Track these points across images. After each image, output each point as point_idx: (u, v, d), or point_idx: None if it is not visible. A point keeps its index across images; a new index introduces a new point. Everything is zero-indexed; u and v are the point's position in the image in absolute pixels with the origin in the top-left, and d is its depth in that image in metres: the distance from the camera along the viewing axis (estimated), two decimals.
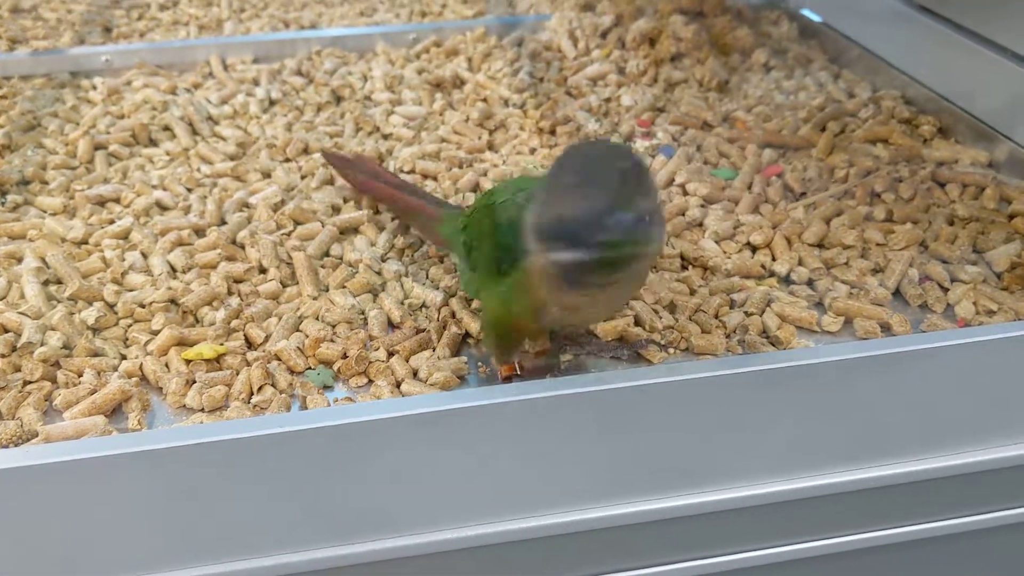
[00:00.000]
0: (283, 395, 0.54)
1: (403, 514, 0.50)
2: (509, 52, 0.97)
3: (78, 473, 0.45)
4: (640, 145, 0.79)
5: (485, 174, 0.76)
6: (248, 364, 0.56)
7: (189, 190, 0.75)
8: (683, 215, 0.69)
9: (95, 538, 0.47)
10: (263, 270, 0.64)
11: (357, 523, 0.50)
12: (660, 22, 0.96)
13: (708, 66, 0.92)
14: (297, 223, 0.69)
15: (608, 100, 0.88)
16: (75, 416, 0.52)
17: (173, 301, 0.60)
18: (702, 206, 0.71)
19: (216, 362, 0.56)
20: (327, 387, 0.55)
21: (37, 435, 0.51)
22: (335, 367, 0.56)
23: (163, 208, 0.72)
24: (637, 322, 0.59)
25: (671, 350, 0.58)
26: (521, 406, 0.48)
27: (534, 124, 0.84)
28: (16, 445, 0.50)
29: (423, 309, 0.61)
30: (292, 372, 0.55)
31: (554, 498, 0.51)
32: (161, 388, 0.55)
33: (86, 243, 0.67)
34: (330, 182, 0.76)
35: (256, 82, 0.93)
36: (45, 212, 0.71)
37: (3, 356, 0.55)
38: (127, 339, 0.58)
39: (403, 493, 0.49)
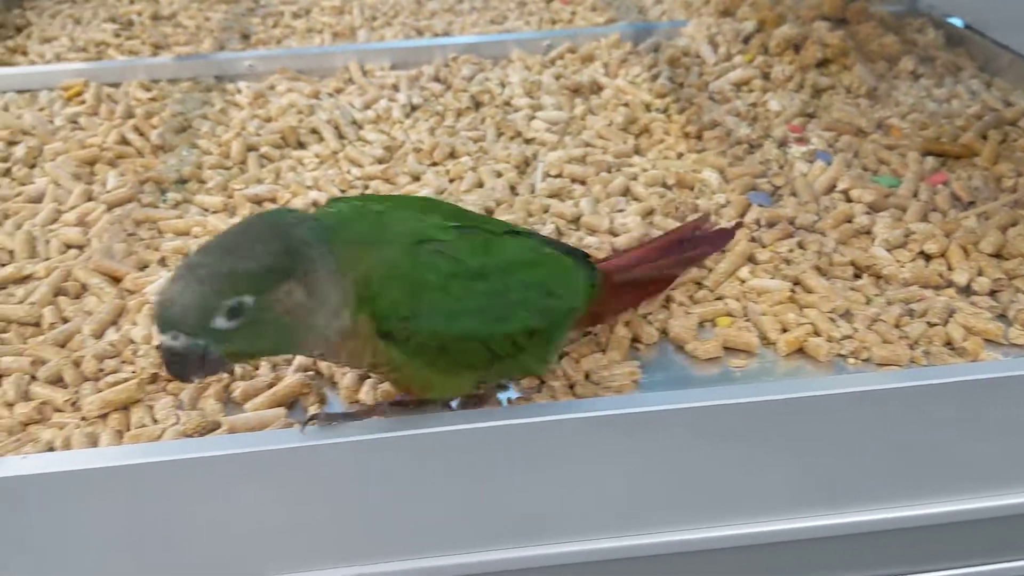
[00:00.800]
0: None
1: (575, 518, 0.49)
2: (646, 58, 0.96)
3: (267, 464, 0.45)
4: (796, 150, 0.77)
5: (635, 178, 0.75)
6: None
7: (342, 191, 0.75)
8: (850, 222, 0.67)
9: (273, 530, 0.47)
10: None
11: (526, 526, 0.49)
12: (804, 28, 0.94)
13: (856, 73, 0.89)
14: None
15: (754, 105, 0.86)
16: (257, 407, 0.52)
17: None
18: (867, 213, 0.68)
19: None
20: (501, 388, 0.54)
21: (220, 426, 0.51)
22: None
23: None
24: (816, 332, 0.57)
25: (853, 360, 0.56)
26: (699, 413, 0.47)
27: (679, 129, 0.82)
28: (200, 435, 0.51)
29: None
30: None
31: (733, 508, 0.50)
32: (335, 382, 0.55)
33: None
34: (480, 185, 0.76)
35: (396, 88, 0.94)
36: (206, 210, 0.73)
37: None
38: None
39: (583, 497, 0.48)
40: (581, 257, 0.54)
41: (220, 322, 0.41)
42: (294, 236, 0.42)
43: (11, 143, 0.84)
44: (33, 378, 0.55)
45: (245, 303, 0.41)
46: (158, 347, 0.41)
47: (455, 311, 0.45)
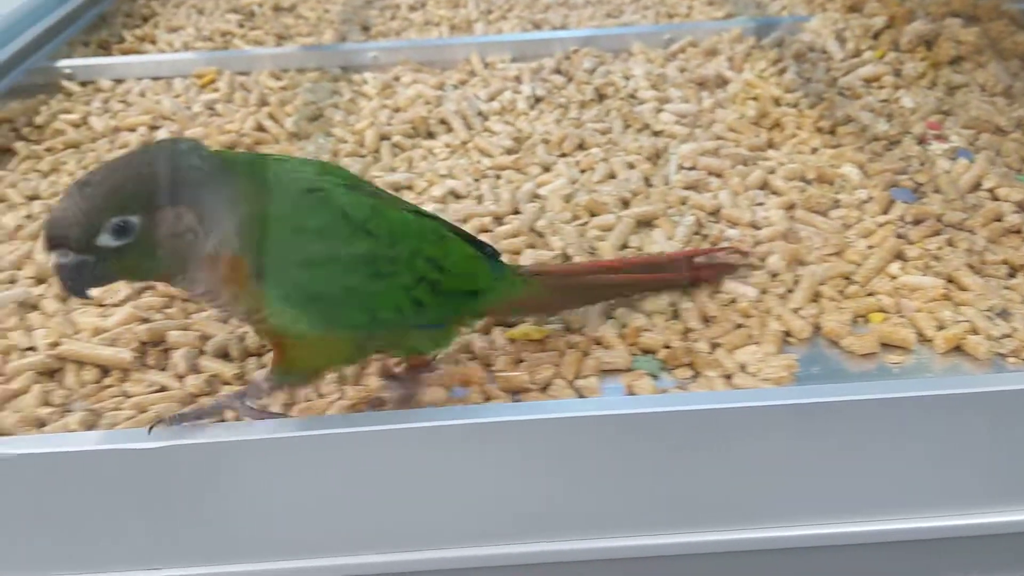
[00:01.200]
0: (597, 379, 0.54)
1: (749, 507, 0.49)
2: (770, 52, 0.95)
3: (427, 441, 0.46)
4: (937, 147, 0.76)
5: (772, 172, 0.74)
6: (571, 347, 0.56)
7: (475, 180, 0.76)
8: (999, 220, 0.66)
9: (430, 506, 0.48)
10: (567, 258, 0.65)
11: (686, 513, 0.49)
12: (935, 24, 0.92)
13: (990, 70, 0.87)
14: (593, 214, 0.70)
15: (886, 101, 0.85)
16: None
17: None
18: (1016, 212, 0.67)
19: (541, 343, 0.57)
20: (654, 376, 0.55)
21: (384, 403, 0.53)
22: (658, 356, 0.56)
23: (456, 196, 0.74)
24: (974, 330, 0.56)
25: (1013, 358, 0.55)
26: (869, 406, 0.47)
27: (812, 124, 0.81)
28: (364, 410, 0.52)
29: (732, 304, 0.60)
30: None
31: (882, 502, 0.49)
32: (489, 365, 0.56)
33: None
34: (612, 176, 0.76)
35: (519, 80, 0.94)
36: None
37: None
38: None
39: (751, 485, 0.48)
40: (490, 253, 0.54)
41: (106, 239, 0.42)
42: (187, 164, 0.44)
43: (152, 127, 0.88)
44: (201, 352, 0.57)
45: (130, 222, 0.42)
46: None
47: (328, 257, 0.45)
